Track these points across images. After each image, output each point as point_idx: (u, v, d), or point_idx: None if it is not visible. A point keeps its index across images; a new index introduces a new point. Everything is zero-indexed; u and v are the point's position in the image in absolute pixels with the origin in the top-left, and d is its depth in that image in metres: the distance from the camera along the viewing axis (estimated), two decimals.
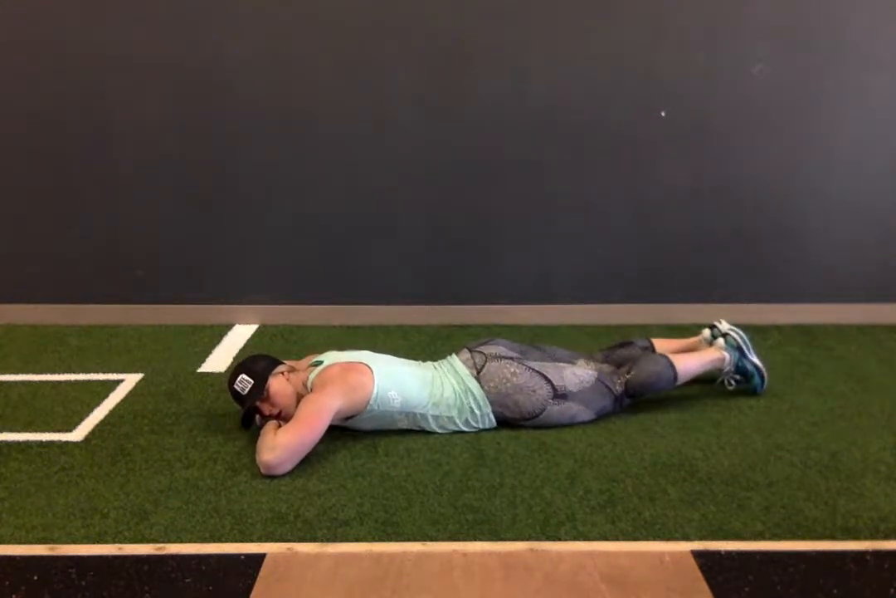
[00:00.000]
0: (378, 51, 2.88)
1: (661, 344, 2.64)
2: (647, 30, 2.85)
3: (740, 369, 2.51)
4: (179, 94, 2.94)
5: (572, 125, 2.97)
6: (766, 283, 3.18)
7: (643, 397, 2.41)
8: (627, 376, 2.37)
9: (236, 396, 2.23)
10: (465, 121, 2.97)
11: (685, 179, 3.03)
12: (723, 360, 2.49)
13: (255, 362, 2.29)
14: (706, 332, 2.63)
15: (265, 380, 2.21)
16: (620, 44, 2.86)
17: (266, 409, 2.20)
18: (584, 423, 2.33)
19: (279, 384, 2.22)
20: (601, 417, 2.35)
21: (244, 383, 2.21)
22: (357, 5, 2.82)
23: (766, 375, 2.51)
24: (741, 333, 2.53)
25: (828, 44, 2.86)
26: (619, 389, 2.35)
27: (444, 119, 2.97)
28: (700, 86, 2.91)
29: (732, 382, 2.54)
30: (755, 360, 2.51)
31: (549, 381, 2.29)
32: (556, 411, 2.28)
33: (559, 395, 2.28)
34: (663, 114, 2.94)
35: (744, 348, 2.51)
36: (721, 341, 2.53)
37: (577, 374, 2.33)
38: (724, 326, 2.59)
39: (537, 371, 2.30)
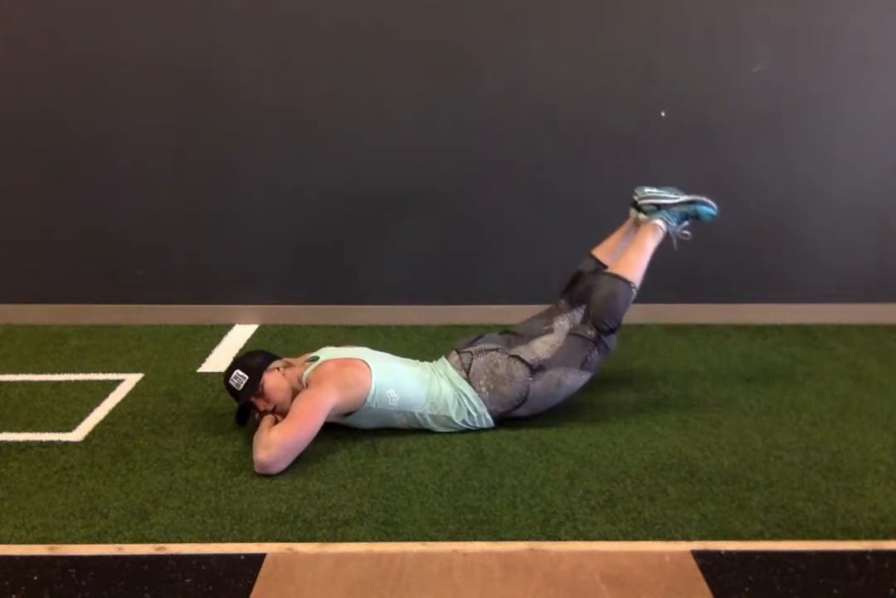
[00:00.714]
0: (378, 51, 2.88)
1: (604, 251, 2.53)
2: (647, 30, 2.85)
3: (681, 218, 2.39)
4: (179, 94, 2.94)
5: (572, 125, 2.97)
6: (766, 283, 3.18)
7: (618, 322, 2.31)
8: (590, 315, 2.31)
9: (232, 391, 2.24)
10: (465, 121, 2.97)
11: (685, 179, 3.01)
12: (658, 228, 2.39)
13: (251, 357, 2.29)
14: (632, 210, 2.50)
15: (260, 376, 2.21)
16: (620, 44, 2.87)
17: (261, 405, 2.20)
18: (582, 387, 2.31)
19: (274, 380, 2.22)
20: (591, 369, 2.31)
21: (239, 378, 2.21)
22: (357, 5, 2.82)
23: (705, 198, 2.36)
24: (648, 189, 2.39)
25: (828, 44, 2.87)
26: (591, 333, 2.30)
27: (444, 119, 2.97)
28: (700, 86, 2.91)
29: (686, 233, 2.41)
30: (683, 198, 2.37)
31: (522, 361, 2.27)
32: (539, 385, 2.26)
33: (535, 369, 2.26)
34: (663, 114, 2.94)
35: (661, 201, 2.37)
36: (641, 215, 2.41)
37: (545, 340, 2.33)
38: (639, 195, 2.44)
39: (513, 355, 2.30)
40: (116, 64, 2.90)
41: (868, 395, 2.54)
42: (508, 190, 3.06)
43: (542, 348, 2.32)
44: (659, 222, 2.40)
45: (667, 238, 2.43)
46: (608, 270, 2.39)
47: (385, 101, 2.95)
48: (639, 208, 2.46)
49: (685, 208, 2.39)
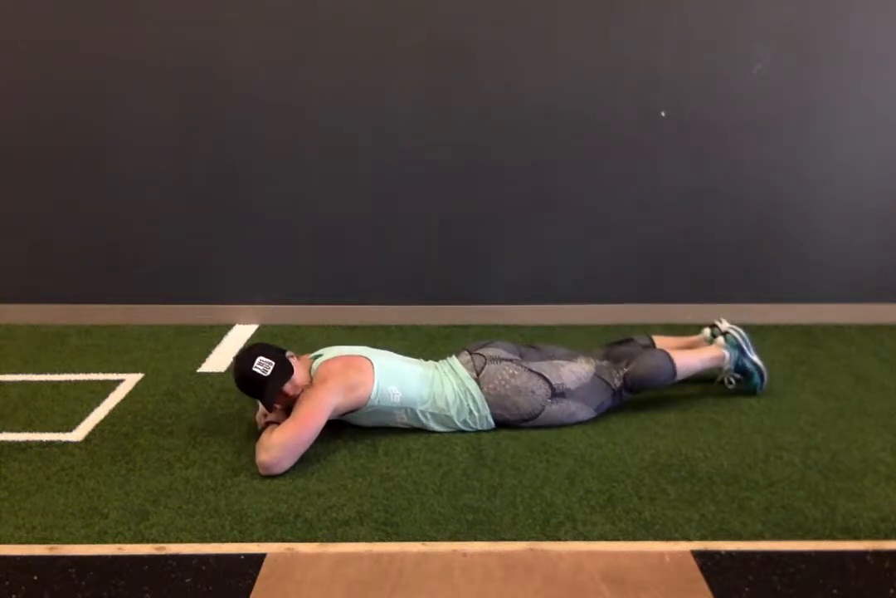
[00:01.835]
0: (378, 51, 2.88)
1: (661, 341, 2.64)
2: (647, 30, 2.85)
3: (740, 368, 2.51)
4: (180, 94, 2.94)
5: (572, 125, 2.96)
6: (766, 283, 3.18)
7: (643, 392, 2.40)
8: (626, 370, 2.36)
9: (256, 380, 2.12)
10: (466, 121, 2.97)
11: (685, 179, 3.03)
12: (722, 358, 2.49)
13: (265, 346, 2.23)
14: (706, 331, 2.63)
15: (286, 360, 2.18)
16: (621, 44, 2.86)
17: (290, 389, 2.16)
18: (584, 422, 2.33)
19: (297, 365, 2.21)
20: (601, 414, 2.35)
21: (265, 364, 2.13)
22: (357, 5, 2.82)
23: (765, 374, 2.51)
24: (741, 331, 2.53)
25: (827, 44, 2.86)
26: (617, 383, 2.35)
27: (444, 119, 2.97)
28: (700, 86, 2.91)
29: (732, 380, 2.54)
30: (755, 359, 2.51)
31: (546, 380, 2.28)
32: (555, 409, 2.28)
33: (557, 393, 2.28)
34: (663, 114, 2.94)
35: (744, 346, 2.51)
36: (721, 339, 2.53)
37: (574, 371, 2.33)
38: (724, 324, 2.59)
39: (535, 372, 2.30)
40: (117, 64, 2.90)
41: (868, 395, 2.54)
42: (508, 190, 3.06)
43: (569, 377, 2.31)
44: (727, 354, 2.50)
45: (715, 370, 2.54)
46: (669, 351, 2.44)
47: (385, 101, 2.95)
48: (715, 333, 2.60)
49: (750, 366, 2.51)
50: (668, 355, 2.41)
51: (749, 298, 3.19)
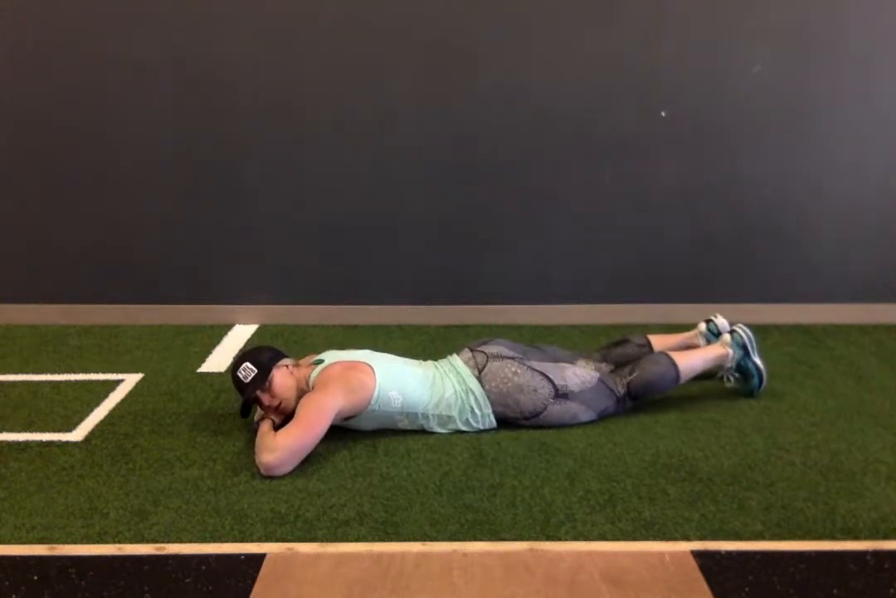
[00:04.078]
0: (378, 51, 2.88)
1: (658, 340, 2.63)
2: (647, 30, 2.85)
3: (741, 368, 2.51)
4: (180, 94, 2.94)
5: (572, 125, 2.97)
6: (766, 283, 3.18)
7: (646, 399, 2.40)
8: (630, 377, 2.36)
9: (238, 383, 2.22)
10: (465, 121, 2.97)
11: (685, 179, 3.03)
12: (726, 356, 2.48)
13: (261, 352, 2.29)
14: (702, 325, 2.63)
15: (269, 370, 2.21)
16: (620, 44, 2.86)
17: (266, 399, 2.20)
18: (584, 423, 2.33)
19: (282, 376, 2.22)
20: (602, 417, 2.35)
21: (247, 371, 2.20)
22: (357, 5, 2.82)
23: (765, 377, 2.50)
24: (748, 331, 2.51)
25: (828, 44, 2.86)
26: (621, 390, 2.35)
27: (443, 119, 2.97)
28: (700, 86, 2.91)
29: (731, 378, 2.53)
30: (758, 360, 2.50)
31: (550, 380, 2.28)
32: (557, 410, 2.28)
33: (560, 394, 2.28)
34: (663, 114, 2.94)
35: (749, 346, 2.49)
36: (727, 337, 2.51)
37: (579, 374, 2.33)
38: (720, 320, 2.58)
39: (538, 371, 2.30)
40: (116, 63, 2.90)
41: (868, 395, 2.54)
42: (508, 190, 3.06)
43: (573, 380, 2.31)
44: (731, 352, 2.48)
45: (715, 368, 2.51)
46: (673, 355, 2.42)
47: (385, 101, 2.95)
48: (715, 329, 2.60)
49: (750, 367, 2.50)
50: (671, 360, 2.39)
51: (749, 298, 3.19)
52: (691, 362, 2.43)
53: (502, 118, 2.96)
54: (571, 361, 2.42)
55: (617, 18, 2.84)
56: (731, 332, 2.53)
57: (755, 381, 2.50)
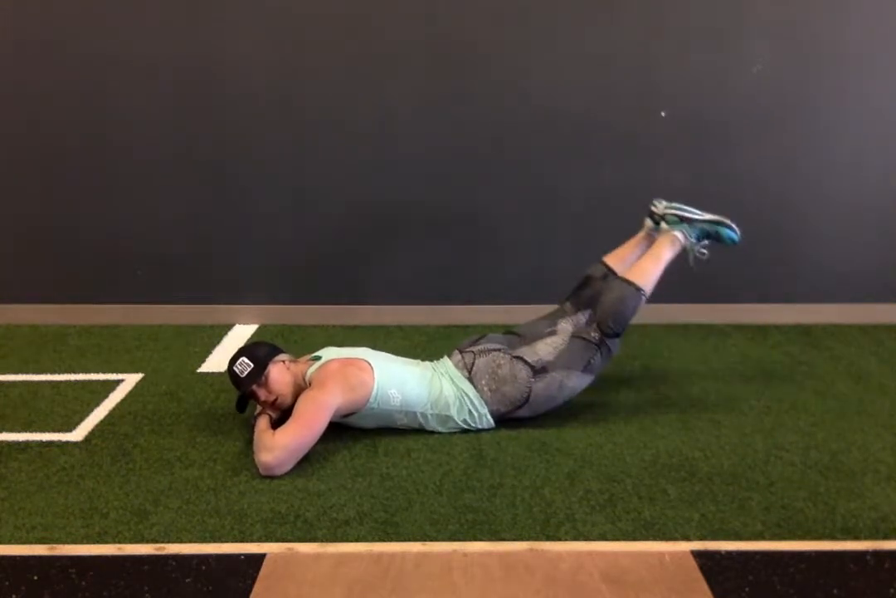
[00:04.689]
0: (378, 51, 2.88)
1: (616, 258, 2.53)
2: (647, 30, 2.85)
3: (702, 235, 2.38)
4: (180, 94, 2.94)
5: (572, 125, 2.97)
6: (766, 283, 3.18)
7: (624, 327, 2.32)
8: (596, 318, 2.31)
9: (234, 378, 2.22)
10: (465, 121, 2.97)
11: (685, 178, 3.02)
12: (677, 240, 2.38)
13: (259, 347, 2.29)
14: (648, 221, 2.50)
15: (265, 366, 2.21)
16: (620, 44, 2.87)
17: (262, 394, 2.20)
18: (580, 391, 2.31)
19: (278, 372, 2.22)
20: (596, 373, 2.32)
21: (244, 365, 2.20)
22: (357, 5, 2.82)
23: (729, 221, 2.35)
24: (675, 204, 2.39)
25: (828, 43, 2.87)
26: (595, 335, 2.29)
27: (443, 119, 2.97)
28: (700, 86, 2.91)
29: (703, 251, 2.39)
30: (707, 216, 2.37)
31: (525, 362, 2.27)
32: (541, 387, 2.25)
33: (537, 370, 2.26)
34: (663, 114, 2.94)
35: (687, 215, 2.37)
36: (664, 224, 2.41)
37: (549, 342, 2.32)
38: (660, 206, 2.44)
39: (516, 357, 2.30)
40: (116, 63, 2.90)
41: (868, 395, 2.54)
42: (508, 190, 3.06)
43: (544, 349, 2.31)
44: (678, 234, 2.39)
45: (682, 253, 2.42)
46: (620, 276, 2.38)
47: (385, 101, 2.95)
48: (656, 219, 2.45)
49: (707, 227, 2.38)
50: (623, 281, 2.32)
51: (749, 298, 3.19)
52: (645, 269, 2.35)
53: (502, 118, 2.96)
54: (551, 328, 2.40)
55: (617, 18, 2.84)
56: (663, 217, 2.40)
57: (724, 231, 2.36)
